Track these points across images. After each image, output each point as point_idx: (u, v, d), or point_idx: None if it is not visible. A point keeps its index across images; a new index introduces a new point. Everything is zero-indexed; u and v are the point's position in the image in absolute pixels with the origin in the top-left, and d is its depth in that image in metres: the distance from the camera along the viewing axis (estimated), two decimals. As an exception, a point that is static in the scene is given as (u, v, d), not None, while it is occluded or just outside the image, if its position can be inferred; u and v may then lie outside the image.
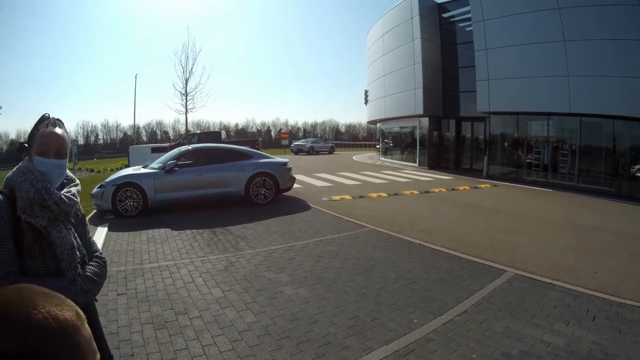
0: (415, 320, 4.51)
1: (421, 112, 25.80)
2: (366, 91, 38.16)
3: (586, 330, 4.29)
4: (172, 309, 4.87)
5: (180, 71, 19.70)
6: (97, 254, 2.12)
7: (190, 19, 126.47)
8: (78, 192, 2.07)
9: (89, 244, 2.11)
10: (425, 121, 26.77)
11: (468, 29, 23.34)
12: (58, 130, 1.97)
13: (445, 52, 26.69)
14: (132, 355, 3.81)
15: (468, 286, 5.62)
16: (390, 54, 29.80)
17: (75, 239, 1.97)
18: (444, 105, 26.66)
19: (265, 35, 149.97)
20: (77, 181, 2.13)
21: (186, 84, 19.75)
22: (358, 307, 4.90)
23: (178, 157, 11.72)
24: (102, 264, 2.09)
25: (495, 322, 4.47)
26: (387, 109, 30.80)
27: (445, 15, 26.78)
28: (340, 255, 7.09)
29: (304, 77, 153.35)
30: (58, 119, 2.04)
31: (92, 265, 2.02)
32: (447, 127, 27.85)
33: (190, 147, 12.85)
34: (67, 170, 2.09)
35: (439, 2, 27.19)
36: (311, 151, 45.18)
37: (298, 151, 45.28)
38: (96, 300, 2.14)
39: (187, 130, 28.35)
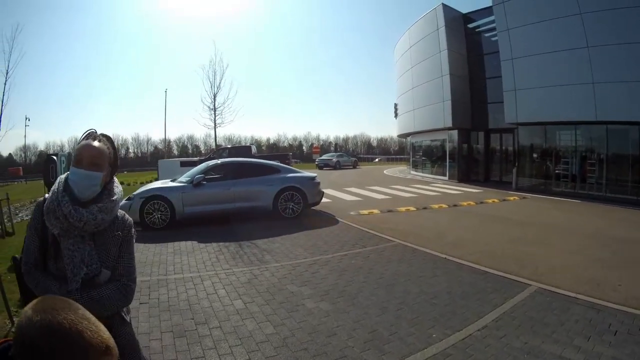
0: (434, 335, 4.46)
1: (450, 124, 25.68)
2: (395, 104, 38.05)
3: (607, 346, 4.15)
4: (192, 318, 4.94)
5: (209, 86, 19.95)
6: (124, 279, 2.11)
7: (220, 35, 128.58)
8: (104, 209, 2.03)
9: (117, 265, 2.11)
10: (454, 134, 26.65)
11: (494, 38, 23.19)
12: (95, 143, 2.04)
13: (472, 63, 26.60)
14: (149, 361, 3.86)
15: (490, 300, 5.52)
16: (418, 67, 29.82)
17: (89, 254, 1.99)
18: (473, 117, 26.49)
19: (294, 49, 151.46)
20: (114, 197, 2.12)
21: (214, 99, 20.04)
22: (378, 321, 4.87)
23: (206, 171, 11.92)
24: (121, 289, 2.07)
25: (514, 337, 4.37)
26: (417, 122, 30.74)
27: (470, 25, 26.77)
28: (365, 269, 7.06)
29: (335, 91, 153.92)
30: (103, 134, 2.13)
31: (108, 287, 2.03)
32: (477, 140, 27.61)
33: (219, 161, 13.01)
34: (117, 188, 2.17)
35: (464, 12, 27.13)
36: (337, 166, 44.18)
37: (324, 166, 43.85)
38: (127, 320, 2.24)
39: (216, 144, 28.69)
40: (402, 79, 34.28)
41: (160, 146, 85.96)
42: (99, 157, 2.03)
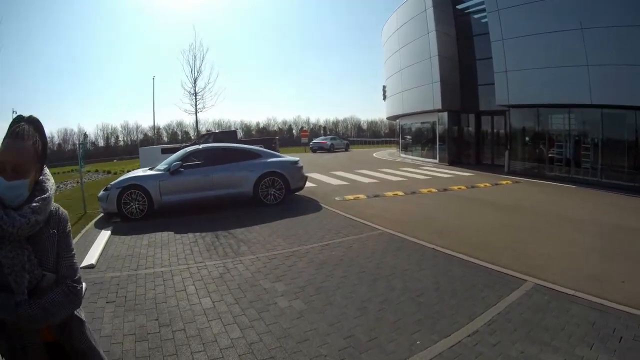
0: (418, 342, 3.98)
1: (439, 106, 25.27)
2: (384, 87, 37.69)
3: (611, 355, 3.66)
4: (157, 319, 4.62)
5: (189, 71, 19.40)
6: (69, 280, 1.90)
7: (207, 16, 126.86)
8: (37, 209, 1.80)
9: (59, 267, 1.91)
10: (444, 116, 26.21)
11: (484, 20, 22.70)
12: (19, 143, 1.78)
13: (462, 45, 26.05)
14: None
15: (482, 299, 5.03)
16: (406, 48, 29.31)
17: (29, 259, 1.79)
18: (463, 99, 26.01)
19: (284, 33, 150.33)
20: (47, 194, 1.87)
21: (195, 83, 19.50)
22: (356, 323, 4.41)
23: (185, 158, 11.49)
24: (67, 293, 1.87)
25: (509, 344, 3.89)
26: (405, 104, 30.28)
27: (459, 7, 26.06)
28: (346, 261, 6.61)
29: (325, 73, 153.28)
30: (30, 120, 1.87)
31: (55, 292, 1.84)
32: (467, 122, 27.26)
33: (200, 147, 12.57)
34: (49, 182, 1.93)
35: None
36: (331, 149, 45.25)
37: (318, 149, 45.30)
38: (83, 319, 2.03)
39: (197, 130, 28.20)
40: (390, 61, 33.81)
41: (150, 133, 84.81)
42: (23, 163, 1.78)
